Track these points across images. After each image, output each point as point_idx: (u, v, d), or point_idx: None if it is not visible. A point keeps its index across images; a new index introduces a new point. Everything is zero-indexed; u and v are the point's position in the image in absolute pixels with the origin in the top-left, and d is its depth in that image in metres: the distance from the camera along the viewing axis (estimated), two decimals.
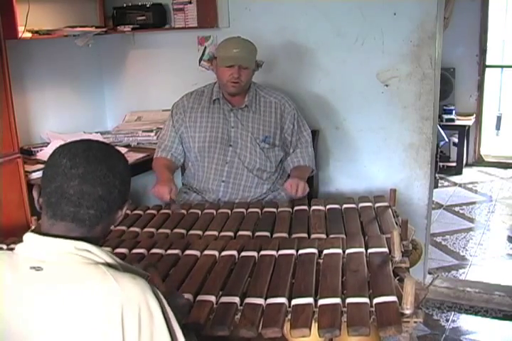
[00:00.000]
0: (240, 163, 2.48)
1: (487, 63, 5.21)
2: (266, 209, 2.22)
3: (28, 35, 2.62)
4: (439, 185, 4.72)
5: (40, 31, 2.69)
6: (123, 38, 3.31)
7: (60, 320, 1.04)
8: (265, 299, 1.48)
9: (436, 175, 4.33)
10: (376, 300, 1.42)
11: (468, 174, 5.14)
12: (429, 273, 3.13)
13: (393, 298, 1.42)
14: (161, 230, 2.08)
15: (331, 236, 1.90)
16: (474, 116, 5.21)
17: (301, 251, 1.74)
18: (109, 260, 1.11)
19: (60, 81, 3.17)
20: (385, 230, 1.90)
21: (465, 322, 2.68)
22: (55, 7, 2.98)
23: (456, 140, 5.13)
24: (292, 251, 1.74)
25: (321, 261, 1.69)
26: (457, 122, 5.03)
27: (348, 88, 2.83)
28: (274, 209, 2.21)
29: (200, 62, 3.15)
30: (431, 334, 2.57)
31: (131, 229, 2.10)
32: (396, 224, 1.96)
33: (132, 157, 2.86)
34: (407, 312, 1.39)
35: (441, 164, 4.90)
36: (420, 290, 1.68)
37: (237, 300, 1.48)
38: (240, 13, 2.95)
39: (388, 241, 1.74)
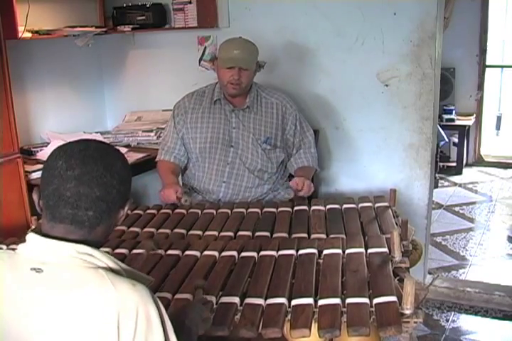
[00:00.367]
0: (241, 163, 2.48)
1: (487, 63, 5.21)
2: (266, 209, 2.22)
3: (28, 35, 2.63)
4: (439, 185, 4.72)
5: (40, 31, 2.69)
6: (123, 38, 3.31)
7: (56, 323, 1.03)
8: (265, 299, 1.48)
9: (437, 175, 4.33)
10: (376, 300, 1.42)
11: (468, 174, 5.13)
12: (429, 273, 3.13)
13: (393, 298, 1.42)
14: (161, 230, 2.08)
15: (331, 236, 1.90)
16: (474, 116, 5.21)
17: (301, 251, 1.74)
18: (112, 264, 1.10)
19: (60, 81, 3.17)
20: (385, 230, 1.90)
21: (465, 322, 2.68)
22: (55, 7, 2.98)
23: (456, 140, 5.13)
24: (292, 251, 1.74)
25: (321, 261, 1.69)
26: (457, 122, 5.03)
27: (348, 88, 2.84)
28: (274, 209, 2.21)
29: (200, 62, 3.15)
30: (431, 334, 2.57)
31: (131, 229, 2.10)
32: (396, 224, 1.96)
33: (132, 157, 2.86)
34: (407, 312, 1.39)
35: (441, 164, 4.90)
36: (420, 290, 1.68)
37: (237, 300, 1.48)
38: (240, 13, 2.95)
39: (388, 241, 1.74)
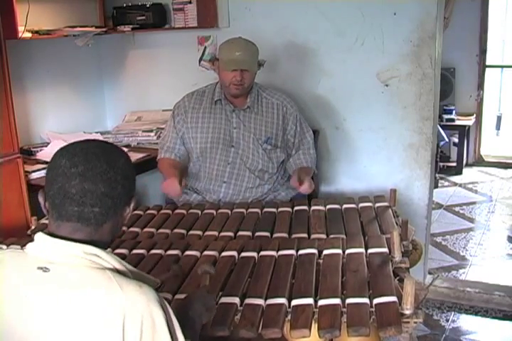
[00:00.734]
0: (242, 163, 2.48)
1: (487, 63, 5.21)
2: (266, 210, 2.22)
3: (28, 35, 2.62)
4: (439, 185, 4.72)
5: (40, 31, 2.69)
6: (123, 38, 3.31)
7: (61, 323, 1.03)
8: (265, 299, 1.48)
9: (437, 175, 4.33)
10: (376, 301, 1.42)
11: (469, 174, 5.13)
12: (429, 273, 3.13)
13: (393, 298, 1.42)
14: (161, 230, 2.08)
15: (331, 236, 1.90)
16: (474, 116, 5.21)
17: (301, 252, 1.74)
18: (118, 266, 1.10)
19: (60, 81, 3.17)
20: (385, 230, 1.90)
21: (465, 322, 2.68)
22: (55, 7, 2.98)
23: (456, 140, 5.13)
24: (292, 252, 1.74)
25: (321, 261, 1.69)
26: (457, 122, 5.03)
27: (348, 88, 2.83)
28: (274, 210, 2.21)
29: (200, 62, 3.15)
30: (431, 334, 2.57)
31: (131, 229, 2.10)
32: (396, 224, 1.96)
33: (132, 157, 2.85)
34: (407, 312, 1.39)
35: (441, 164, 4.90)
36: (420, 290, 1.68)
37: (237, 300, 1.48)
38: (240, 13, 2.95)
39: (388, 241, 1.74)
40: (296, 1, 2.82)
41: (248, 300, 1.48)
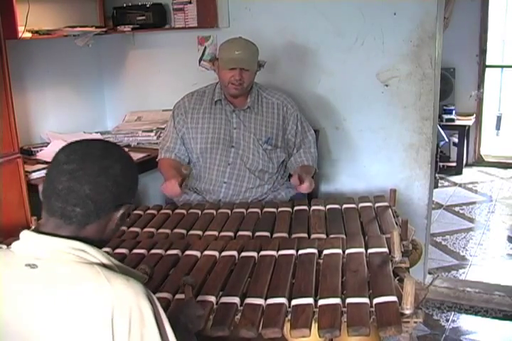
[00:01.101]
0: (242, 164, 2.48)
1: (487, 63, 5.21)
2: (266, 210, 2.22)
3: (28, 35, 2.62)
4: (439, 185, 4.72)
5: (40, 31, 2.69)
6: (123, 38, 3.31)
7: (51, 318, 1.04)
8: (265, 299, 1.48)
9: (436, 175, 4.33)
10: (376, 300, 1.42)
11: (468, 174, 5.13)
12: (429, 273, 3.13)
13: (393, 298, 1.42)
14: (161, 230, 2.08)
15: (331, 236, 1.90)
16: (474, 116, 5.21)
17: (301, 251, 1.74)
18: (105, 261, 1.11)
19: (60, 81, 3.17)
20: (385, 230, 1.90)
21: (465, 322, 2.68)
22: (55, 7, 2.98)
23: (456, 140, 5.13)
24: (292, 251, 1.74)
25: (321, 261, 1.69)
26: (457, 122, 5.03)
27: (348, 88, 2.83)
28: (274, 209, 2.21)
29: (200, 62, 3.15)
30: (431, 334, 2.57)
31: (131, 229, 2.10)
32: (396, 224, 1.96)
33: (132, 157, 2.85)
34: (407, 312, 1.39)
35: (441, 164, 4.90)
36: (420, 290, 1.68)
37: (237, 300, 1.48)
38: (240, 13, 2.95)
39: (388, 241, 1.74)
40: (296, 1, 2.82)
41: (248, 300, 1.48)
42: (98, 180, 1.10)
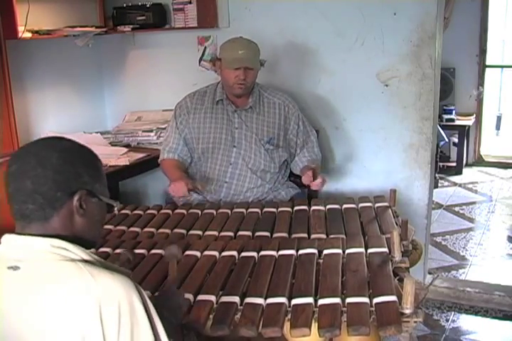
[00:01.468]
0: (243, 164, 2.48)
1: (487, 63, 5.21)
2: (266, 209, 2.22)
3: (28, 35, 2.63)
4: (439, 185, 4.72)
5: (40, 31, 2.69)
6: (123, 38, 3.31)
7: (39, 318, 1.04)
8: (265, 299, 1.48)
9: (436, 175, 4.33)
10: (376, 300, 1.42)
11: (468, 174, 5.13)
12: (429, 273, 3.13)
13: (393, 298, 1.42)
14: (161, 230, 2.08)
15: (331, 236, 1.90)
16: (474, 116, 5.21)
17: (301, 251, 1.74)
18: (87, 257, 1.10)
19: (60, 81, 3.17)
20: (385, 230, 1.90)
21: (465, 322, 2.68)
22: (55, 7, 2.98)
23: (456, 140, 5.13)
24: (292, 251, 1.74)
25: (321, 261, 1.70)
26: (457, 122, 5.03)
27: (348, 88, 2.84)
28: (274, 209, 2.21)
29: (200, 62, 3.15)
30: (431, 334, 2.57)
31: (131, 229, 2.10)
32: (396, 224, 1.96)
33: (132, 157, 2.86)
34: (407, 312, 1.39)
35: (441, 164, 4.90)
36: (420, 290, 1.68)
37: (237, 299, 1.48)
38: (240, 13, 2.95)
39: (388, 241, 1.74)
40: (296, 1, 2.82)
41: (248, 300, 1.48)
42: (37, 172, 1.08)
